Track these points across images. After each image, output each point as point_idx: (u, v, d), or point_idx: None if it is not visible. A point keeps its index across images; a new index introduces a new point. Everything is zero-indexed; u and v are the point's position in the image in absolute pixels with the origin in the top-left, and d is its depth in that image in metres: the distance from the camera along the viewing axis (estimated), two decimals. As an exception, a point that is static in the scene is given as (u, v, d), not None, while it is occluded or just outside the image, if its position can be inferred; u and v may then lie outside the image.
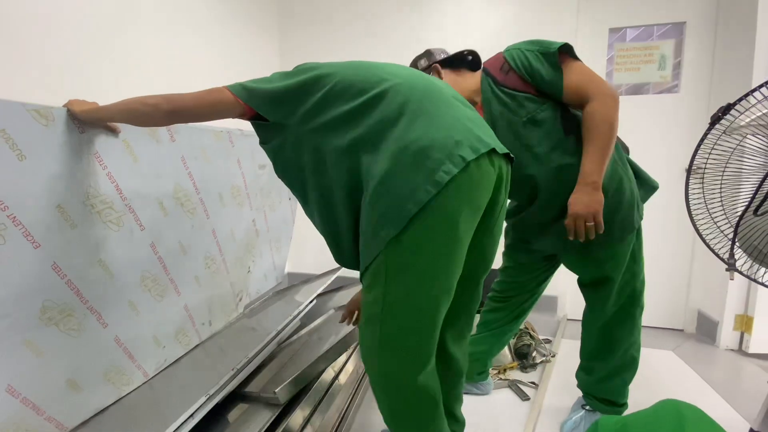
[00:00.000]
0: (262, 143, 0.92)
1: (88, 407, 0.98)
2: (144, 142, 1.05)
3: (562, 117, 1.08)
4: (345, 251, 0.89)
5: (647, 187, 1.18)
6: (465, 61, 1.22)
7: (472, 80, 1.17)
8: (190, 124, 1.12)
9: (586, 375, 1.32)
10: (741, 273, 0.96)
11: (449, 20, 2.36)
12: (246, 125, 0.99)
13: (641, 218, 1.13)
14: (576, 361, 1.37)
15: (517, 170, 1.03)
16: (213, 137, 1.31)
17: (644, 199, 1.17)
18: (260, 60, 2.38)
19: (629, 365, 1.24)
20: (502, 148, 0.81)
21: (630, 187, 1.09)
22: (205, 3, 1.89)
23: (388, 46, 2.46)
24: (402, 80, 0.81)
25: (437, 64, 1.20)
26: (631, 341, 1.22)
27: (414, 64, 1.26)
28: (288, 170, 0.91)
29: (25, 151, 0.79)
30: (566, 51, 1.07)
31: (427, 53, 1.25)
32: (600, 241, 1.05)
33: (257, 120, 0.88)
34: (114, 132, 0.97)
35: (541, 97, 1.07)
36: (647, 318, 2.08)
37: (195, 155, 1.23)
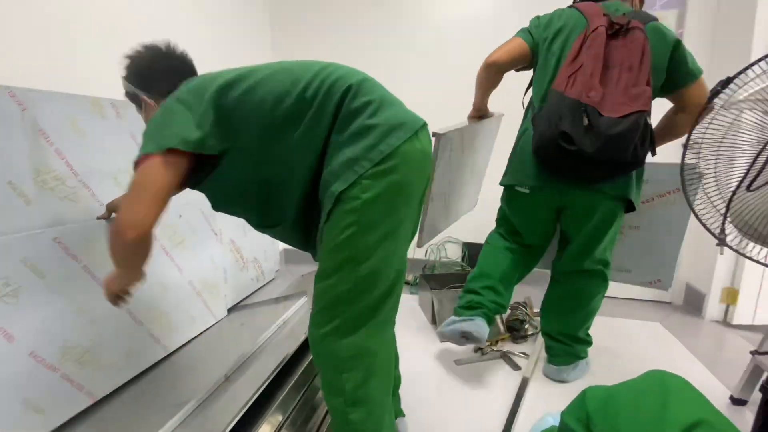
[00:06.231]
0: (197, 184, 0.84)
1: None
2: (89, 119, 1.05)
3: None
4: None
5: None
6: None
7: None
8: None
9: None
10: (731, 248, 0.98)
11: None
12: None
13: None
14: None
15: None
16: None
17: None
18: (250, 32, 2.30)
19: None
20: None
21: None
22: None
23: (392, 23, 2.38)
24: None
25: None
26: None
27: None
28: (236, 196, 0.86)
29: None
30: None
31: None
32: None
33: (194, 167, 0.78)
34: (67, 119, 0.96)
35: None
36: (636, 290, 2.12)
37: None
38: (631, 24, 1.14)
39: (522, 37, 1.31)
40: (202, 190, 0.87)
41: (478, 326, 1.32)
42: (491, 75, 1.33)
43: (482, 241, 1.56)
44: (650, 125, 1.14)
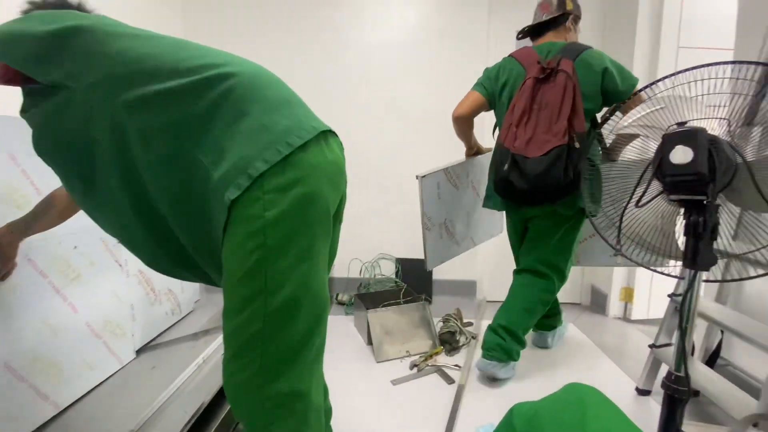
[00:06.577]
0: (24, 112, 0.73)
1: None
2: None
3: None
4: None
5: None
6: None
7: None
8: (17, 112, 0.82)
9: None
10: (625, 257, 1.10)
11: (367, 13, 2.33)
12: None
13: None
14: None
15: None
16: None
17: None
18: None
19: None
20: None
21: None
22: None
23: (302, 37, 2.36)
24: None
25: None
26: None
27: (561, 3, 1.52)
28: (63, 146, 0.72)
29: None
30: None
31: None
32: None
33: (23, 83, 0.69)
34: None
35: None
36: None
37: (29, 151, 0.94)
38: (559, 65, 1.36)
39: (478, 91, 1.58)
40: (29, 123, 0.74)
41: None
42: (461, 125, 1.61)
43: (413, 256, 1.63)
44: (578, 149, 1.33)
